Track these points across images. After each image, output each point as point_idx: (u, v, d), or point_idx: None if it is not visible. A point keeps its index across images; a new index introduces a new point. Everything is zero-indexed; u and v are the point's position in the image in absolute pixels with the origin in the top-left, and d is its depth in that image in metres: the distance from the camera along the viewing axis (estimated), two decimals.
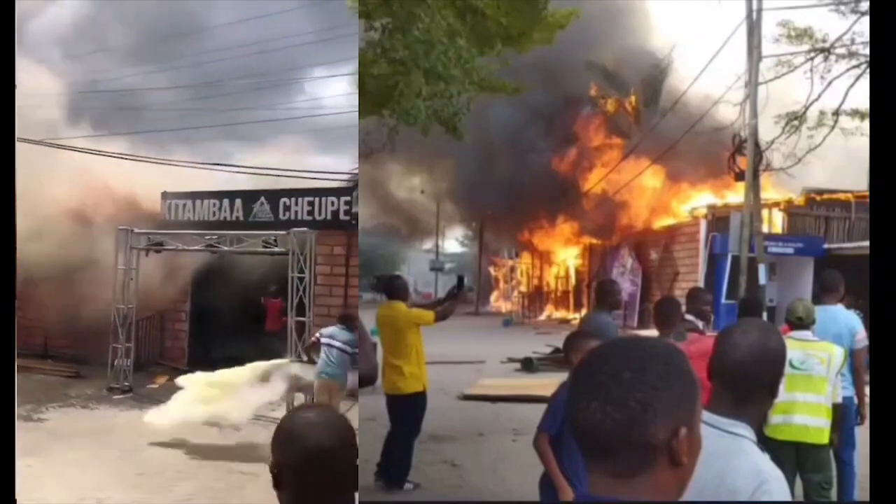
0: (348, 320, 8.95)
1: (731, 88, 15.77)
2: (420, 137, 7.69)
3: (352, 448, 1.67)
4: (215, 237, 12.94)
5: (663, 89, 24.70)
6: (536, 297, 32.74)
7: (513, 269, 35.63)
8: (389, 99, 6.83)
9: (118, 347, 12.63)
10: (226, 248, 12.81)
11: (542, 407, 4.45)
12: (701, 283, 17.40)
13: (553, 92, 24.48)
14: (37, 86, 13.43)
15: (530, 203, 26.86)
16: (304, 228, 12.36)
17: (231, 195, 14.05)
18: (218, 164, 14.77)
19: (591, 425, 1.22)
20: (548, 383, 8.09)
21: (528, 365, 14.85)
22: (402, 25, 6.62)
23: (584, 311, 23.73)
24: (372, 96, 7.16)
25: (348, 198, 13.10)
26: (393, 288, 7.14)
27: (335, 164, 13.78)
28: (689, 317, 5.90)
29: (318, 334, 8.94)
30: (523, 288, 34.23)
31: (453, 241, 49.83)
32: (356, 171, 13.47)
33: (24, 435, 8.00)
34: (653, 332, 5.12)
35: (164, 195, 14.50)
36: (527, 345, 17.29)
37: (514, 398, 10.88)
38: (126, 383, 12.44)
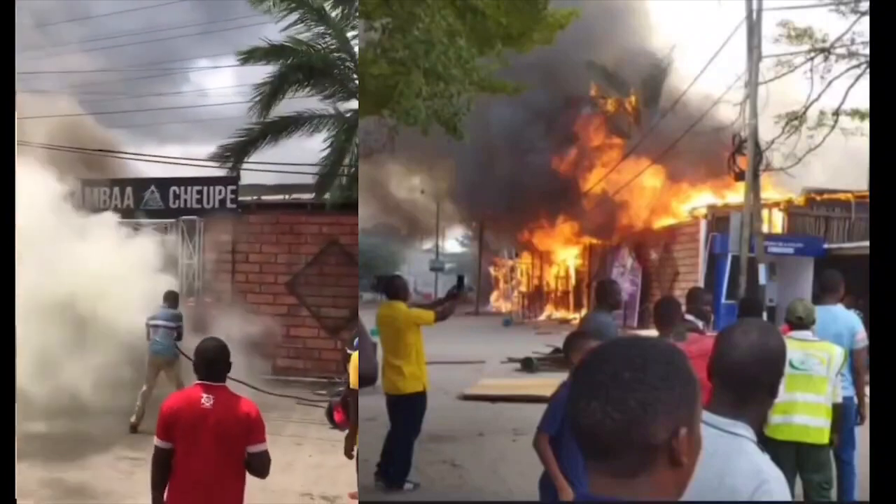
0: (170, 298, 9.87)
1: (731, 88, 15.79)
2: (420, 137, 7.69)
3: None
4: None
5: (663, 89, 24.71)
6: (536, 297, 32.74)
7: (513, 269, 35.63)
8: (389, 99, 6.83)
9: None
10: None
11: (542, 407, 4.45)
12: (701, 283, 17.40)
13: (553, 92, 24.48)
14: None
15: (530, 203, 26.87)
16: (193, 217, 13.08)
17: (121, 183, 14.26)
18: (107, 152, 14.80)
19: (591, 425, 1.22)
20: (548, 383, 8.09)
21: (528, 365, 14.85)
22: (402, 25, 6.62)
23: (584, 311, 23.74)
24: (372, 96, 7.16)
25: (234, 186, 13.57)
26: (393, 288, 7.13)
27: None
28: (689, 317, 5.91)
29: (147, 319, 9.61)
30: (523, 288, 34.24)
31: (453, 241, 49.94)
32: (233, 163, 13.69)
33: None
34: (653, 332, 5.12)
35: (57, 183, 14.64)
36: (527, 345, 17.30)
37: (514, 398, 10.89)
38: None
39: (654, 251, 23.14)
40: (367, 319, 8.38)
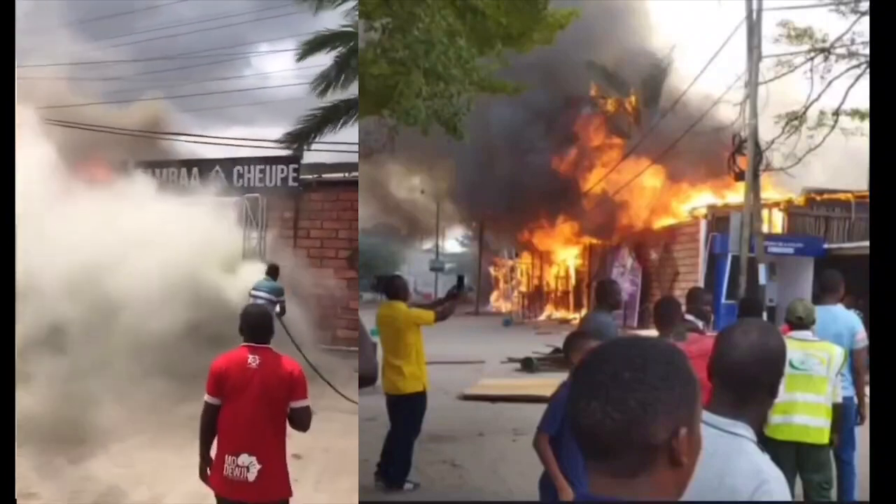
0: (273, 271, 10.17)
1: (731, 88, 15.80)
2: (420, 137, 7.69)
3: None
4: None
5: (663, 89, 24.70)
6: (536, 297, 32.74)
7: (513, 269, 35.63)
8: (389, 99, 6.83)
9: None
10: None
11: (542, 407, 4.45)
12: (701, 283, 17.40)
13: (553, 92, 24.47)
14: None
15: (530, 203, 26.86)
16: (256, 195, 13.68)
17: (188, 164, 14.85)
18: (177, 134, 15.58)
19: (591, 425, 1.22)
20: (548, 383, 8.08)
21: (528, 365, 14.85)
22: (402, 25, 6.61)
23: (584, 311, 23.74)
24: (372, 96, 7.16)
25: (296, 165, 14.12)
26: (393, 288, 7.13)
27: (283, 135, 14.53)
28: (689, 317, 5.91)
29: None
30: (523, 288, 34.23)
31: (453, 241, 49.92)
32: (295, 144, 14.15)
33: None
34: (653, 332, 5.12)
35: (125, 164, 14.90)
36: (527, 345, 17.29)
37: (514, 398, 10.88)
38: None
39: (654, 251, 23.14)
40: (367, 319, 8.37)
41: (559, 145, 26.72)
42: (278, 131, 14.43)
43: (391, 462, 6.76)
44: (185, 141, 15.50)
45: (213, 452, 4.16)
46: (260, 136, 14.97)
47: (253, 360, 4.07)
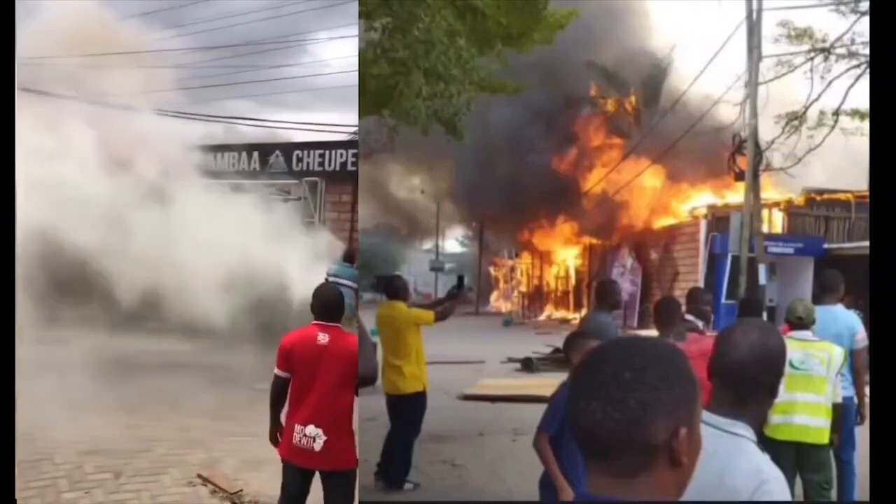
0: (350, 257, 10.33)
1: (731, 88, 15.80)
2: (420, 137, 7.68)
3: None
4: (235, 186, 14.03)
5: (663, 89, 24.70)
6: (536, 297, 32.74)
7: (513, 269, 35.62)
8: (389, 99, 6.83)
9: None
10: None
11: (542, 407, 4.45)
12: (701, 283, 17.40)
13: (553, 92, 24.47)
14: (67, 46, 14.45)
15: (530, 203, 26.86)
16: (315, 178, 13.99)
17: (249, 148, 15.33)
18: (239, 119, 16.49)
19: (591, 425, 1.22)
20: (548, 383, 8.08)
21: (528, 365, 14.84)
22: (402, 25, 6.61)
23: (584, 311, 23.74)
24: (372, 96, 7.15)
25: (355, 150, 14.38)
26: (393, 288, 7.13)
27: (341, 120, 15.39)
28: (689, 317, 5.91)
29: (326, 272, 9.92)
30: (523, 288, 34.22)
31: (453, 241, 49.91)
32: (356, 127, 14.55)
33: None
34: (653, 332, 5.12)
35: (187, 150, 15.31)
36: (527, 345, 17.29)
37: (514, 398, 10.88)
38: None
39: (654, 251, 23.13)
40: (367, 319, 8.38)
41: (559, 145, 26.72)
42: (336, 117, 15.25)
43: (391, 462, 6.76)
44: (248, 125, 16.21)
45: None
46: (318, 121, 15.94)
47: (323, 338, 4.33)
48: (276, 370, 4.43)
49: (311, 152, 14.71)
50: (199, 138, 15.48)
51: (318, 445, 4.26)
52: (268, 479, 4.97)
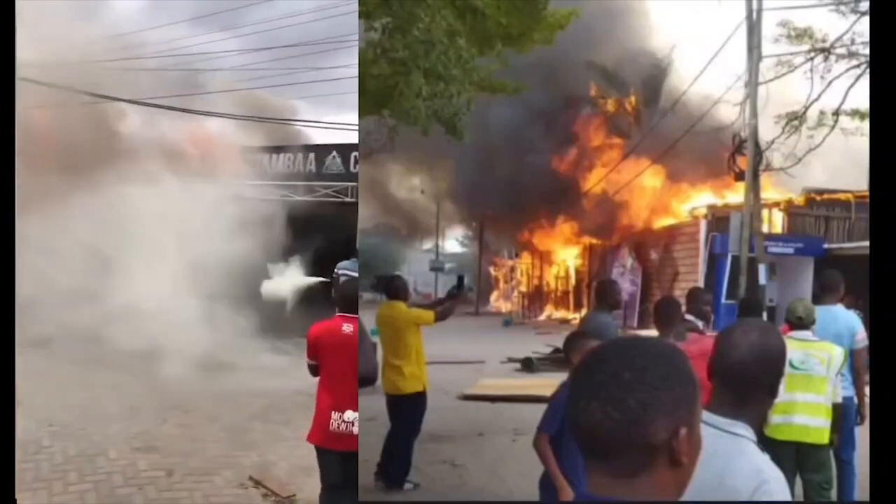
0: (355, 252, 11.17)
1: (731, 88, 15.80)
2: (420, 137, 7.68)
3: None
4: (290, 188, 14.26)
5: (663, 89, 24.70)
6: (536, 297, 32.73)
7: (513, 269, 35.61)
8: (389, 99, 6.83)
9: None
10: (299, 198, 14.03)
11: (542, 407, 4.45)
12: (701, 283, 17.40)
13: (553, 92, 24.47)
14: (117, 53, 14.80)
15: (530, 203, 26.85)
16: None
17: (305, 149, 15.22)
18: (291, 120, 16.15)
19: (591, 425, 1.22)
20: (548, 383, 8.07)
21: (528, 365, 14.84)
22: (402, 25, 6.61)
23: (584, 311, 23.72)
24: (372, 96, 7.15)
25: None
26: (393, 288, 7.13)
27: None
28: (689, 317, 5.91)
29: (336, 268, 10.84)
30: (523, 288, 34.22)
31: (453, 241, 49.85)
32: None
33: None
34: (653, 332, 5.12)
35: (244, 149, 15.31)
36: (527, 345, 17.28)
37: (514, 398, 10.87)
38: None
39: (654, 251, 23.13)
40: (367, 319, 8.41)
41: (559, 145, 26.71)
42: None
43: (391, 462, 6.75)
44: (306, 126, 16.49)
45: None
46: None
47: (347, 328, 4.69)
48: (306, 359, 4.80)
49: None
50: (254, 139, 15.45)
51: (356, 428, 4.58)
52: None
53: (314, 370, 4.80)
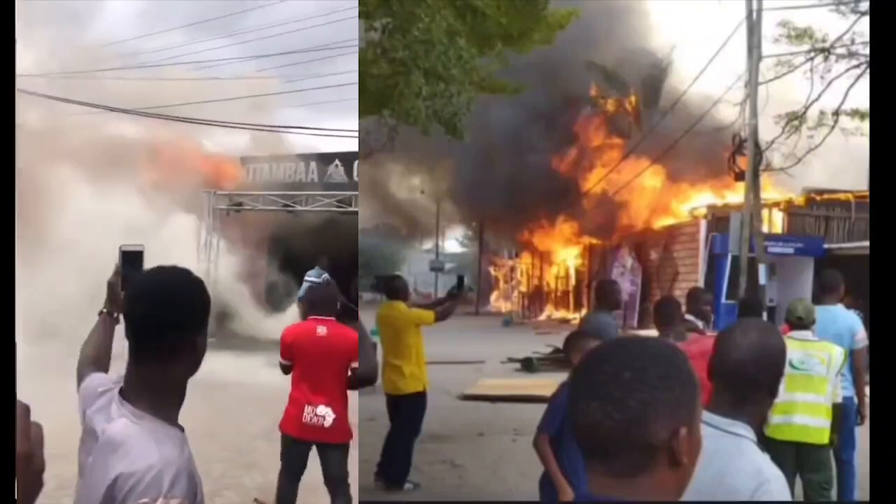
0: (323, 262, 11.95)
1: (731, 88, 15.80)
2: (420, 137, 7.69)
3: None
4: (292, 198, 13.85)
5: (663, 89, 24.70)
6: (536, 297, 32.72)
7: (513, 269, 35.61)
8: (389, 99, 6.83)
9: None
10: (300, 208, 13.72)
11: (542, 407, 4.45)
12: (701, 283, 17.39)
13: (553, 92, 24.45)
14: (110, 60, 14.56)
15: (530, 203, 26.84)
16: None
17: (306, 158, 14.76)
18: (293, 128, 16.07)
19: (591, 425, 1.22)
20: (548, 383, 8.08)
21: (528, 365, 14.84)
22: (402, 25, 6.61)
23: (584, 311, 23.72)
24: (372, 96, 7.16)
25: None
26: (393, 288, 7.14)
27: None
28: (689, 317, 5.91)
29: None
30: (523, 288, 34.21)
31: (453, 241, 49.81)
32: None
33: None
34: (653, 332, 5.12)
35: (244, 160, 15.10)
36: (527, 345, 17.27)
37: (514, 398, 10.88)
38: None
39: (654, 251, 23.13)
40: (367, 319, 8.40)
41: (559, 145, 26.71)
42: None
43: (391, 462, 6.76)
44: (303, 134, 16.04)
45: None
46: None
47: (322, 330, 4.95)
48: (280, 360, 5.09)
49: None
50: (251, 148, 15.10)
51: (328, 422, 4.91)
52: None
53: (286, 369, 5.07)
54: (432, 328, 6.99)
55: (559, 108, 26.29)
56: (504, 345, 18.03)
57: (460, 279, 8.09)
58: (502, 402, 10.92)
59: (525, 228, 30.50)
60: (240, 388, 9.88)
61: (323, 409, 4.91)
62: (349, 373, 4.91)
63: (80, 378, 2.15)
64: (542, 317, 30.38)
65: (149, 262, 2.07)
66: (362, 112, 7.72)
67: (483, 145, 22.59)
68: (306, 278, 11.29)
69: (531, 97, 19.24)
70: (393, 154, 11.96)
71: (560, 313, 29.70)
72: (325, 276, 11.96)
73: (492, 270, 38.40)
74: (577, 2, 10.09)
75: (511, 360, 15.65)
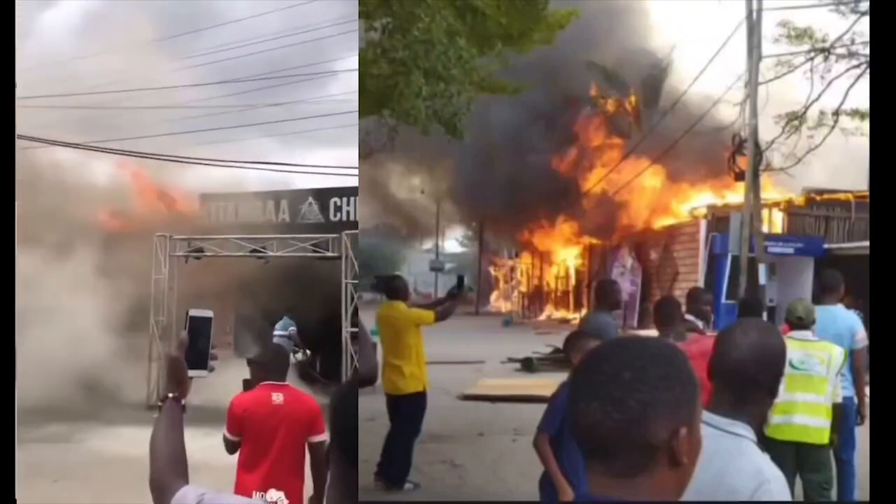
0: (289, 312, 11.58)
1: (731, 88, 15.80)
2: (420, 137, 7.69)
3: None
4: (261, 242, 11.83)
5: (663, 89, 24.71)
6: (536, 297, 32.73)
7: (513, 269, 35.62)
8: (389, 99, 6.83)
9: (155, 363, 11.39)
10: (272, 254, 11.77)
11: (542, 407, 4.45)
12: (701, 283, 17.40)
13: (553, 92, 24.45)
14: (48, 87, 12.52)
15: (530, 203, 26.85)
16: (358, 230, 11.66)
17: (276, 195, 13.01)
18: (258, 163, 13.67)
19: (591, 425, 1.22)
20: (548, 383, 8.08)
21: (528, 365, 14.84)
22: (402, 25, 6.61)
23: (584, 311, 23.72)
24: (372, 96, 7.16)
25: None
26: (393, 288, 7.13)
27: None
28: (689, 317, 5.91)
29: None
30: (523, 288, 34.22)
31: (453, 241, 49.80)
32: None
33: (60, 456, 8.74)
34: (653, 332, 5.12)
35: (204, 197, 13.41)
36: (527, 345, 17.28)
37: (514, 398, 10.88)
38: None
39: (654, 251, 23.14)
40: (367, 319, 8.39)
41: (559, 145, 26.72)
42: None
43: (391, 462, 6.76)
44: (271, 170, 13.57)
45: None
46: (353, 162, 12.45)
47: (277, 398, 4.28)
48: (225, 433, 4.31)
49: (351, 199, 12.16)
50: (212, 185, 13.07)
51: None
52: None
53: (233, 446, 4.32)
54: (432, 328, 6.99)
55: (559, 108, 26.29)
56: (504, 345, 18.04)
57: (460, 279, 8.10)
58: (502, 402, 10.92)
59: (525, 228, 30.51)
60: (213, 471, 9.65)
61: (274, 494, 4.21)
62: (306, 448, 4.32)
63: (163, 490, 1.76)
64: (542, 317, 30.39)
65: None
66: (362, 112, 7.72)
67: (483, 145, 22.59)
68: (275, 332, 10.71)
69: (531, 97, 19.25)
70: (393, 154, 11.85)
71: (560, 313, 29.71)
72: (293, 329, 11.15)
73: (492, 270, 38.42)
74: (577, 2, 10.09)
75: (511, 360, 15.65)
